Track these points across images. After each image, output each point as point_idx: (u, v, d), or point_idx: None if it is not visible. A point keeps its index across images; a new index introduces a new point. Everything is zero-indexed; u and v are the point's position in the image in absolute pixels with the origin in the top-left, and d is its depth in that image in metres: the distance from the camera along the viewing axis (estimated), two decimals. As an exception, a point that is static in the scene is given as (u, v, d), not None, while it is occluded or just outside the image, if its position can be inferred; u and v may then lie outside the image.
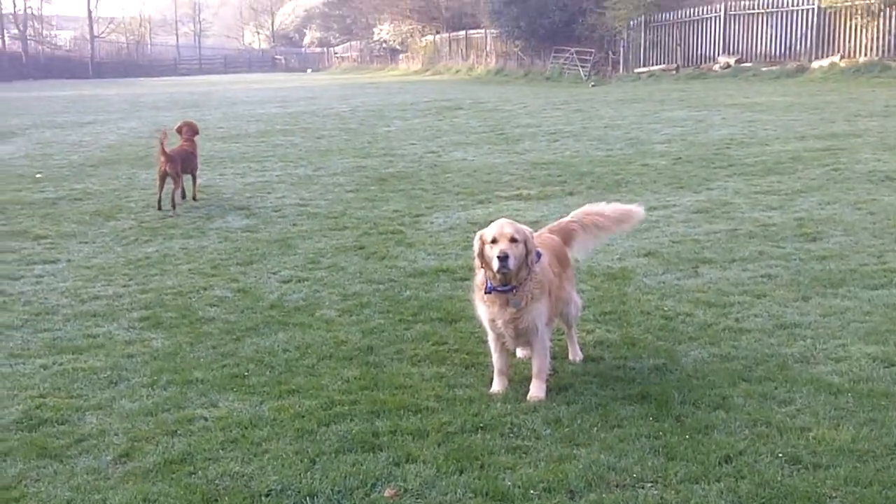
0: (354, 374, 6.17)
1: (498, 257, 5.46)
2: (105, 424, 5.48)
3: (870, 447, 4.81)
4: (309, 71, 71.97)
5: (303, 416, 5.44)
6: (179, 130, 13.82)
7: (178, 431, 5.34)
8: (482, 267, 5.71)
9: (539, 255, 5.70)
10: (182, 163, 13.09)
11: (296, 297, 8.21)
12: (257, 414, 5.54)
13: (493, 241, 5.55)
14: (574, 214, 6.65)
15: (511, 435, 5.14)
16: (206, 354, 6.73)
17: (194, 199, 13.39)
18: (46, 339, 7.25)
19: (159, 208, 12.73)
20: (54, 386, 6.17)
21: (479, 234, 5.74)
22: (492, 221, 5.80)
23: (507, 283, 5.61)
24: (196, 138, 13.90)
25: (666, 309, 7.38)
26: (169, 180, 12.79)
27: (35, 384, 6.21)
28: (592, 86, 38.32)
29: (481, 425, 5.27)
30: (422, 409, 5.51)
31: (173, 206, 12.67)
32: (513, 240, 5.51)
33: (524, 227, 5.70)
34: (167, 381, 6.17)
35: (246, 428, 5.33)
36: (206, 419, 5.50)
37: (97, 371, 6.44)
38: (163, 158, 12.67)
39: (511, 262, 5.47)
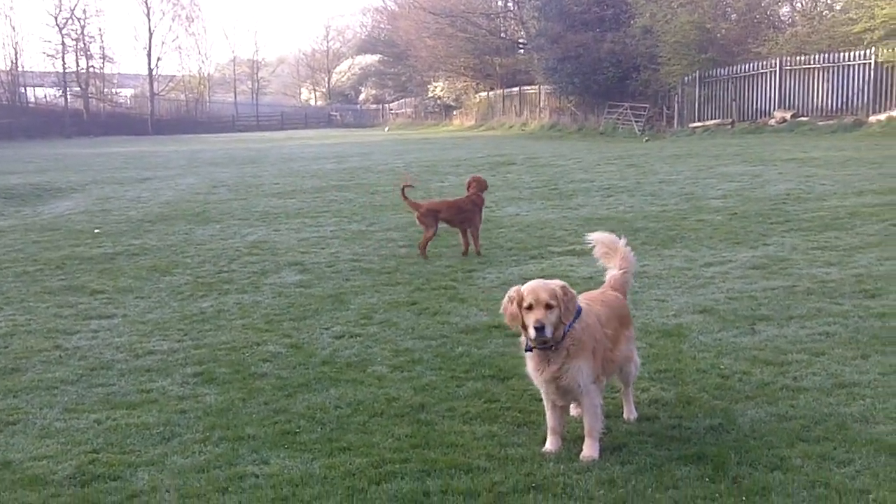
0: (406, 432, 6.13)
1: (535, 327, 5.47)
2: (157, 481, 5.49)
3: (934, 512, 4.67)
4: (387, 129, 72.44)
5: (353, 475, 5.40)
6: (468, 186, 13.73)
7: (230, 489, 5.33)
8: (513, 326, 5.73)
9: (579, 311, 5.65)
10: (445, 215, 13.18)
11: (348, 353, 8.21)
12: (308, 471, 5.51)
13: (529, 308, 5.52)
14: (619, 263, 6.64)
15: (564, 495, 5.06)
16: (258, 411, 6.73)
17: (476, 252, 13.14)
18: (101, 393, 7.31)
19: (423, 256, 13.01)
20: (108, 441, 6.20)
21: (512, 291, 5.72)
22: (536, 278, 5.78)
23: (545, 343, 5.58)
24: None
25: (722, 367, 7.26)
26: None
27: (89, 439, 6.25)
28: (646, 141, 38.29)
29: (533, 485, 5.19)
30: (473, 468, 5.45)
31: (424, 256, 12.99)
32: (548, 306, 5.48)
33: (558, 286, 5.60)
34: (219, 438, 6.17)
35: (297, 486, 5.31)
36: (257, 476, 5.49)
37: (150, 427, 6.47)
38: (411, 209, 13.29)
39: (548, 331, 5.48)
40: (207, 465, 5.69)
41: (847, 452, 5.45)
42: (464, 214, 13.20)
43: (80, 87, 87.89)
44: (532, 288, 5.58)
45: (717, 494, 4.96)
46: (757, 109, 39.28)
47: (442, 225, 13.19)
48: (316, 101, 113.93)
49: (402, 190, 13.39)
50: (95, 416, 6.75)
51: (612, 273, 6.64)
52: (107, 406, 6.99)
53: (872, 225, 13.31)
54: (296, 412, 6.65)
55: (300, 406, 6.79)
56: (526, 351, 5.73)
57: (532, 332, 5.47)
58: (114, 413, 6.80)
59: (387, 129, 70.07)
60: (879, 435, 5.70)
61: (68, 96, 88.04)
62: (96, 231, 16.88)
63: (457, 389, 7.04)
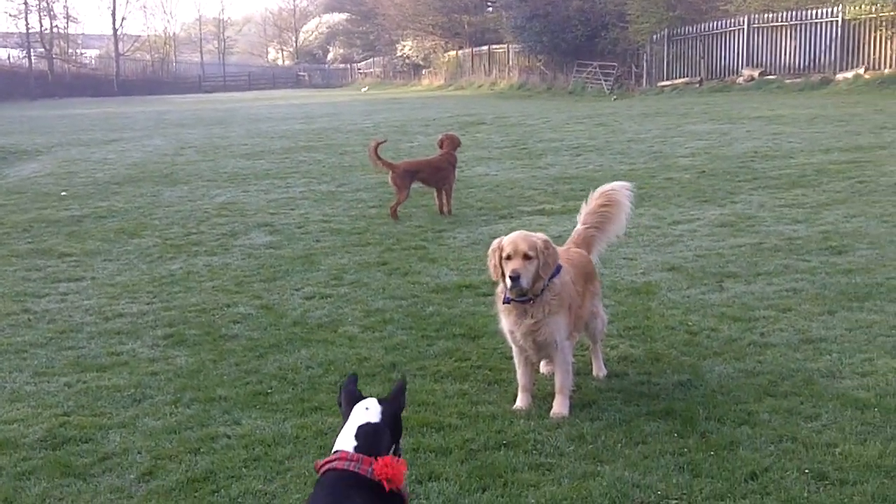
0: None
1: (510, 276, 5.50)
2: (128, 443, 5.49)
3: (898, 463, 4.76)
4: (364, 89, 71.19)
5: (325, 434, 5.42)
6: (440, 144, 13.56)
7: (201, 449, 5.34)
8: (498, 278, 5.74)
9: (559, 268, 5.67)
10: (424, 175, 13.12)
11: (319, 314, 8.21)
12: (280, 432, 5.53)
13: (508, 258, 5.54)
14: (584, 218, 6.69)
15: (534, 452, 5.11)
16: (229, 372, 6.74)
17: (447, 213, 13.07)
18: (71, 357, 7.28)
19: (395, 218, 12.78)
20: (78, 404, 6.19)
21: (495, 243, 5.77)
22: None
23: (524, 296, 5.60)
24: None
25: (690, 324, 7.33)
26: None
27: (59, 402, 6.24)
28: (614, 99, 38.31)
29: (504, 442, 5.24)
30: (444, 426, 5.49)
31: (395, 218, 12.77)
32: (526, 256, 5.50)
33: (540, 239, 5.63)
34: (190, 399, 6.18)
35: (269, 446, 5.33)
36: (228, 437, 5.50)
37: (121, 389, 6.46)
38: (385, 169, 13.06)
39: (523, 281, 5.50)
40: (179, 427, 5.70)
41: (814, 407, 5.53)
42: (440, 174, 13.12)
43: (44, 47, 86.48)
44: (512, 238, 5.64)
45: (685, 449, 5.02)
46: (725, 67, 39.35)
47: (413, 185, 13.12)
48: (283, 61, 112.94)
49: (375, 149, 13.19)
50: (66, 379, 6.73)
51: (577, 229, 6.69)
52: (77, 369, 6.97)
53: (839, 182, 13.42)
54: (267, 373, 6.66)
55: (271, 367, 6.80)
56: (504, 303, 5.74)
57: (508, 282, 5.50)
58: (84, 376, 6.78)
59: (364, 89, 69.10)
60: (845, 389, 5.78)
61: (32, 57, 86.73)
62: (63, 193, 16.72)
63: (428, 348, 7.08)
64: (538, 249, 5.54)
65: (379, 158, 13.10)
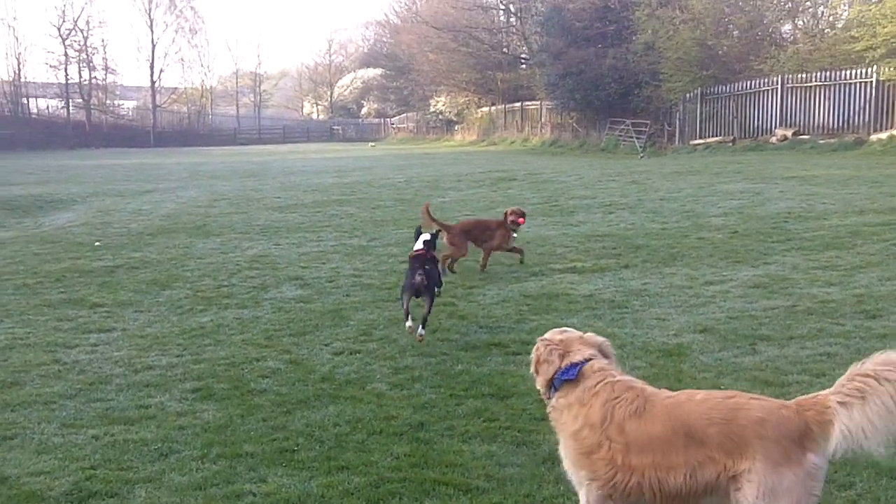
0: (404, 451, 6.10)
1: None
2: (154, 499, 5.47)
3: (935, 537, 4.65)
4: (371, 145, 70.91)
5: (351, 494, 5.38)
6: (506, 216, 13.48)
7: (226, 507, 5.31)
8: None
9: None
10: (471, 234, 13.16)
11: (347, 370, 8.18)
12: (306, 490, 5.49)
13: None
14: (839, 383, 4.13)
15: (563, 517, 5.04)
16: (256, 427, 6.71)
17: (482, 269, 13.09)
18: (99, 409, 7.29)
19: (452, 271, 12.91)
20: (105, 458, 6.18)
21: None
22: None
23: None
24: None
25: (723, 387, 7.22)
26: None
27: (86, 455, 6.23)
28: (641, 157, 38.29)
29: (532, 506, 5.17)
30: (472, 488, 5.43)
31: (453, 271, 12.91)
32: None
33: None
34: (217, 455, 6.15)
35: (294, 505, 5.29)
36: (254, 495, 5.47)
37: (148, 443, 6.45)
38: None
39: None
40: (205, 483, 5.67)
41: (848, 475, 5.43)
42: (487, 234, 13.23)
43: (82, 98, 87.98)
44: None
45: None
46: (758, 127, 39.30)
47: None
48: (318, 115, 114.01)
49: (426, 210, 13.01)
50: (93, 431, 6.73)
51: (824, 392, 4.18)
52: (105, 421, 6.97)
53: (873, 244, 13.29)
54: (294, 429, 6.63)
55: (299, 423, 6.77)
56: None
57: None
58: (112, 428, 6.78)
59: (371, 144, 68.83)
60: (879, 459, 5.66)
61: (71, 107, 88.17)
62: (97, 244, 16.87)
63: (456, 408, 7.02)
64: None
65: (433, 219, 12.92)
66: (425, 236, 10.03)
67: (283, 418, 6.90)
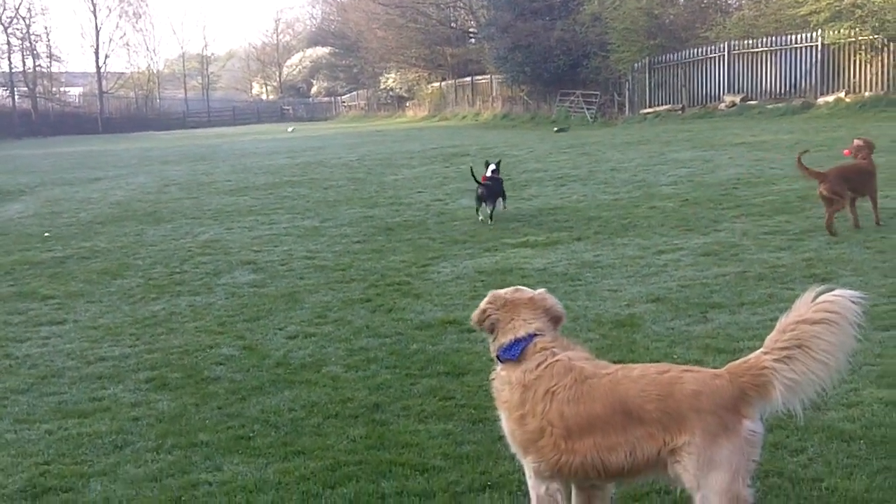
0: (360, 433, 6.10)
1: None
2: (109, 492, 5.43)
3: (884, 497, 4.73)
4: (290, 129, 67.81)
5: (308, 479, 5.37)
6: (856, 154, 12.39)
7: (183, 498, 5.28)
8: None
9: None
10: (851, 182, 11.93)
11: (302, 354, 8.16)
12: (262, 477, 5.47)
13: None
14: (770, 339, 4.09)
15: (519, 493, 5.05)
16: (211, 416, 6.68)
17: (877, 223, 12.00)
18: (52, 403, 7.21)
19: (832, 233, 11.53)
20: (59, 452, 6.12)
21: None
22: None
23: None
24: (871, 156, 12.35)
25: (675, 356, 7.27)
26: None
27: (40, 450, 6.17)
28: (556, 131, 38.37)
29: (489, 484, 5.20)
30: (428, 468, 5.44)
31: (832, 233, 11.52)
32: None
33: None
34: (172, 445, 6.11)
35: (250, 493, 5.27)
36: (210, 484, 5.44)
37: (102, 435, 6.39)
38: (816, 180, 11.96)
39: None
40: (160, 474, 5.63)
41: (799, 440, 5.50)
42: (871, 182, 12.09)
43: (27, 86, 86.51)
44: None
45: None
46: (707, 94, 39.56)
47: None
48: (268, 96, 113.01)
49: (799, 159, 12.26)
50: (47, 426, 6.66)
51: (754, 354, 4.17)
52: (58, 415, 6.90)
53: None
54: (249, 416, 6.61)
55: (254, 410, 6.75)
56: None
57: None
58: (65, 422, 6.71)
59: (290, 129, 67.28)
60: (831, 422, 5.75)
61: (16, 96, 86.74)
62: (46, 234, 16.65)
63: (412, 387, 7.03)
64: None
65: (805, 168, 12.18)
66: (492, 166, 15.57)
67: (239, 405, 6.87)
